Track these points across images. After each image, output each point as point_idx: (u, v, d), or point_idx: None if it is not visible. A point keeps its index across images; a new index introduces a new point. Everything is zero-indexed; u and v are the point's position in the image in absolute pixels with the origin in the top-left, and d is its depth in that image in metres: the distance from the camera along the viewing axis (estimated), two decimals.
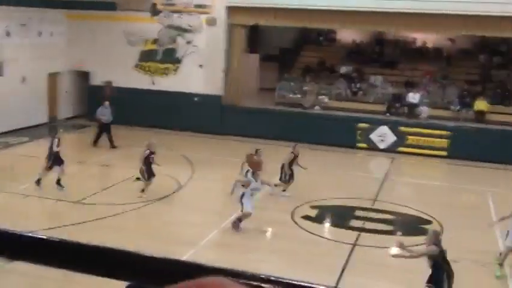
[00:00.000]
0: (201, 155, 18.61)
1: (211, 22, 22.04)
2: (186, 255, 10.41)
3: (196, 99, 22.24)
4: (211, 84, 22.20)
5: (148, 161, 14.00)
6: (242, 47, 22.69)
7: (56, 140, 14.36)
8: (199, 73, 22.37)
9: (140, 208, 13.39)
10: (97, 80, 23.50)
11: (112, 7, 22.80)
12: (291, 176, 14.83)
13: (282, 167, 14.80)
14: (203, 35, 22.22)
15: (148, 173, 14.04)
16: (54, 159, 14.26)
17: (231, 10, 21.90)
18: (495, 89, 22.23)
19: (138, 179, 14.29)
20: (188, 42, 22.48)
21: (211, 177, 16.92)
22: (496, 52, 24.50)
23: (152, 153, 14.11)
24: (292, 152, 15.01)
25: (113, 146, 19.26)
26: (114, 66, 23.01)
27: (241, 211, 12.11)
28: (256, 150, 14.17)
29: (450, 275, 8.37)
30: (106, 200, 13.82)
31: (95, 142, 19.41)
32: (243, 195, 12.08)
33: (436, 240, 8.52)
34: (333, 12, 20.43)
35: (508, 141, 19.36)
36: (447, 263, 8.47)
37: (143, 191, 14.06)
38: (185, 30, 22.51)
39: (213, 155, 18.77)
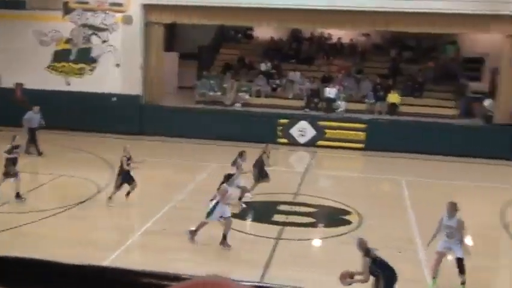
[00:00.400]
0: (120, 157, 18.17)
1: (127, 20, 21.59)
2: (107, 260, 10.16)
3: (114, 99, 21.72)
4: (129, 84, 21.75)
5: (124, 167, 13.49)
6: (160, 45, 22.39)
7: (10, 147, 13.55)
8: (116, 73, 21.86)
9: (57, 214, 12.89)
10: (6, 82, 22.38)
11: (21, 6, 21.79)
12: (263, 176, 14.72)
13: (254, 167, 14.62)
14: (119, 33, 21.72)
15: (123, 180, 13.47)
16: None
17: (147, 8, 21.56)
18: (406, 82, 23.26)
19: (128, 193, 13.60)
20: (104, 42, 21.91)
21: None
22: (406, 47, 25.61)
23: (128, 158, 13.59)
24: (264, 152, 14.94)
25: (27, 152, 18.36)
26: (25, 68, 22.01)
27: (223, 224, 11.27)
28: (241, 153, 13.93)
29: (384, 278, 8.34)
30: (21, 207, 13.20)
31: (38, 151, 18.31)
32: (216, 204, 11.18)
33: (364, 248, 8.41)
34: (250, 10, 20.60)
35: (419, 131, 20.31)
36: (386, 266, 8.34)
37: (110, 198, 13.46)
38: (100, 29, 21.91)
39: (133, 157, 18.37)
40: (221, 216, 11.17)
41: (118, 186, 13.46)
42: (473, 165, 18.92)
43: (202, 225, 11.25)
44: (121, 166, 13.50)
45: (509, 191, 15.76)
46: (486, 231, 13.06)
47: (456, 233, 9.45)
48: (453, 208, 9.64)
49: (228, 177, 11.70)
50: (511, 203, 14.86)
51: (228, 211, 11.33)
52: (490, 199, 15.31)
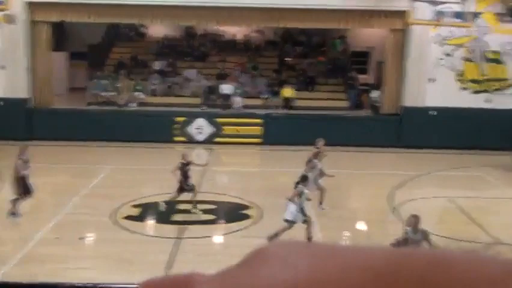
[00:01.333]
0: (8, 163, 17.18)
1: (10, 20, 20.36)
2: None
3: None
4: (14, 87, 20.59)
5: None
6: (47, 45, 21.37)
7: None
8: (0, 75, 20.61)
9: None
10: None
11: None
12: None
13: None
14: (1, 33, 20.48)
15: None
16: None
17: (32, 6, 20.48)
18: (298, 77, 23.96)
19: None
20: None
21: None
22: (298, 42, 26.36)
23: (186, 164, 13.21)
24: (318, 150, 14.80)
25: None
26: None
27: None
28: (316, 154, 13.88)
29: None
30: None
31: None
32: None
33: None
34: (142, 7, 20.24)
35: (313, 124, 20.97)
36: None
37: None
38: None
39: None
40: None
41: (179, 192, 13.23)
42: (364, 154, 19.89)
43: (284, 229, 11.06)
44: (181, 174, 13.17)
45: (396, 177, 16.74)
46: (376, 215, 13.87)
47: (421, 243, 9.21)
48: (417, 222, 9.26)
49: (304, 178, 11.75)
50: (397, 187, 15.81)
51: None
52: (380, 185, 16.17)
